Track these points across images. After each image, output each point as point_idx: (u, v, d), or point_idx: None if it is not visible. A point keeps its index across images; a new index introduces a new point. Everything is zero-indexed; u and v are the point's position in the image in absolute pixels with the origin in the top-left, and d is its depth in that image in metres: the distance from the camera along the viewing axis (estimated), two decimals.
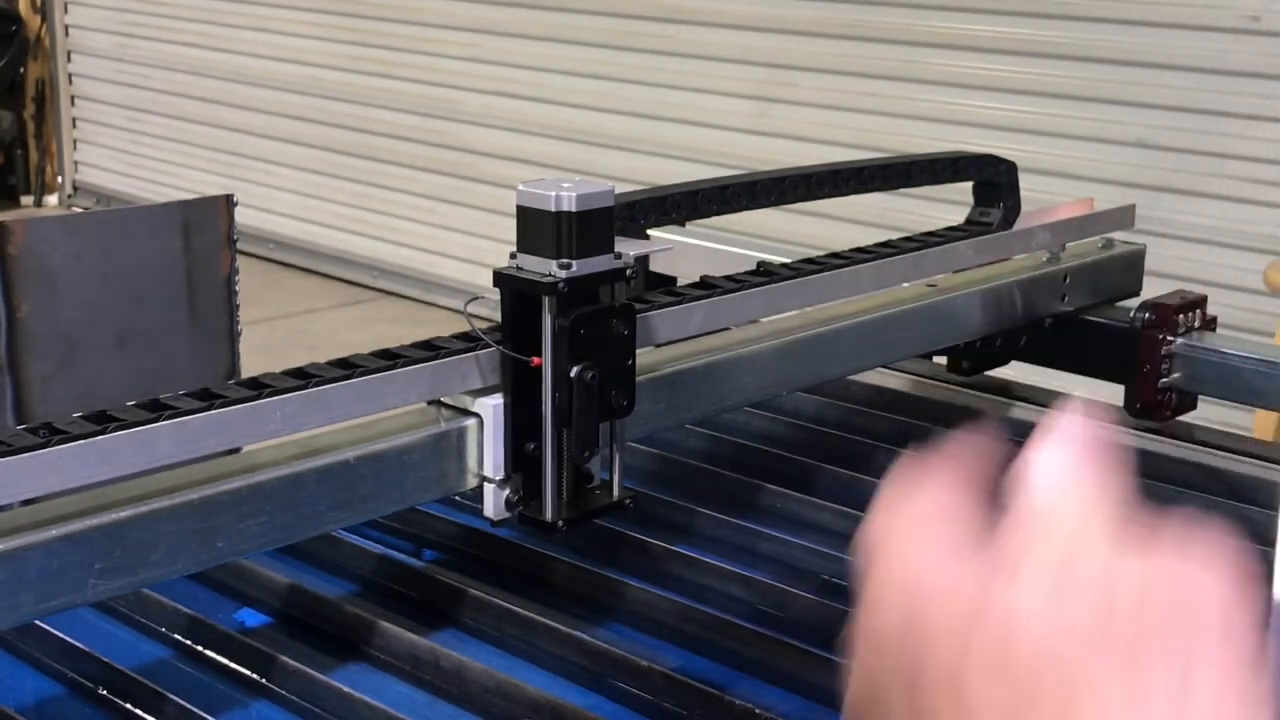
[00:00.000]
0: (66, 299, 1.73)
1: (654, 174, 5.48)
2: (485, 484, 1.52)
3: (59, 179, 8.84)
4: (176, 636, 1.66)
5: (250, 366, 1.66)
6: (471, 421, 1.51)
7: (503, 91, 6.38)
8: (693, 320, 1.69)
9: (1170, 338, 2.14)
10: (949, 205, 3.13)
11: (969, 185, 2.24)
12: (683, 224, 2.19)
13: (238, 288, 1.88)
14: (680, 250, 2.15)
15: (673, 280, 2.01)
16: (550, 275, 1.46)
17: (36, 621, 1.58)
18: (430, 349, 1.50)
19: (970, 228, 2.17)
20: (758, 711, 1.47)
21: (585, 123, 6.13)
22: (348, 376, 1.43)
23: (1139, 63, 4.68)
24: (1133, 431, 2.19)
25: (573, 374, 1.47)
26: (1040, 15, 4.82)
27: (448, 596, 1.74)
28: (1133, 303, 2.22)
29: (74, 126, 8.83)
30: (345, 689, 1.50)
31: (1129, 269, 2.34)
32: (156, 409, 1.30)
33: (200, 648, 1.64)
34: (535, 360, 1.48)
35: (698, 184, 1.93)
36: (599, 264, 1.49)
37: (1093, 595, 0.62)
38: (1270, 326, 4.01)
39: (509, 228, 1.52)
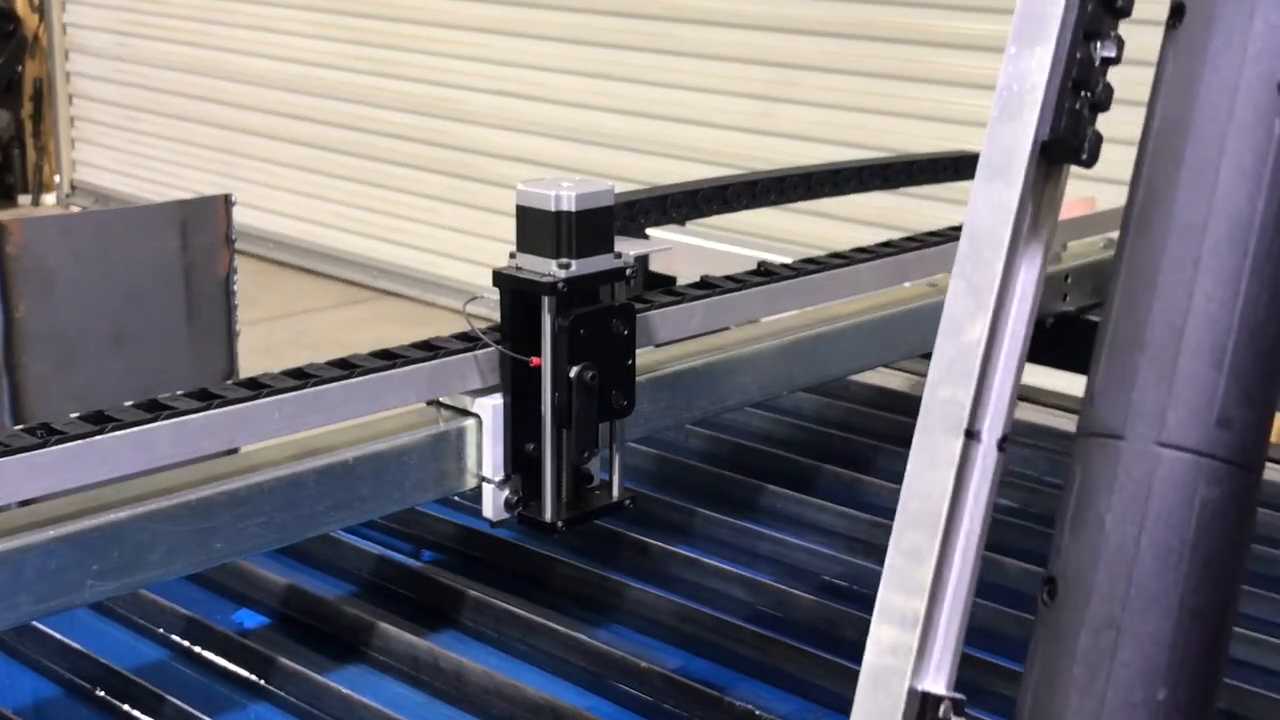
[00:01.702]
0: (64, 299, 1.73)
1: (654, 174, 5.47)
2: (484, 484, 1.51)
3: (57, 178, 8.84)
4: (175, 638, 1.65)
5: (249, 367, 1.66)
6: (471, 422, 1.50)
7: (503, 91, 6.37)
8: (693, 320, 1.69)
9: None
10: (950, 205, 3.12)
11: (970, 184, 2.24)
12: (683, 224, 2.19)
13: (236, 287, 1.88)
14: (680, 250, 2.15)
15: (673, 280, 2.01)
16: (550, 275, 1.46)
17: (34, 622, 1.57)
18: (429, 349, 1.50)
19: None
20: (758, 713, 1.47)
21: (585, 123, 6.12)
22: (347, 377, 1.42)
23: (1139, 61, 4.68)
24: None
25: (573, 374, 1.47)
26: None
27: (447, 598, 1.74)
28: None
29: (72, 125, 8.82)
30: (344, 690, 1.50)
31: None
32: (154, 409, 1.30)
33: (199, 649, 1.63)
34: (535, 360, 1.47)
35: (698, 184, 1.93)
36: (599, 264, 1.49)
37: None
38: None
39: (509, 227, 1.52)
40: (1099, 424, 0.78)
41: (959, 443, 0.78)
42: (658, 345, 1.66)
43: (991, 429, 0.79)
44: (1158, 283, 0.76)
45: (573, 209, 1.46)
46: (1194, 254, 0.75)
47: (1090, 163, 0.79)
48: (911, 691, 0.79)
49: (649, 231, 2.09)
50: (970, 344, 0.78)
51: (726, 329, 1.78)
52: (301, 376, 1.40)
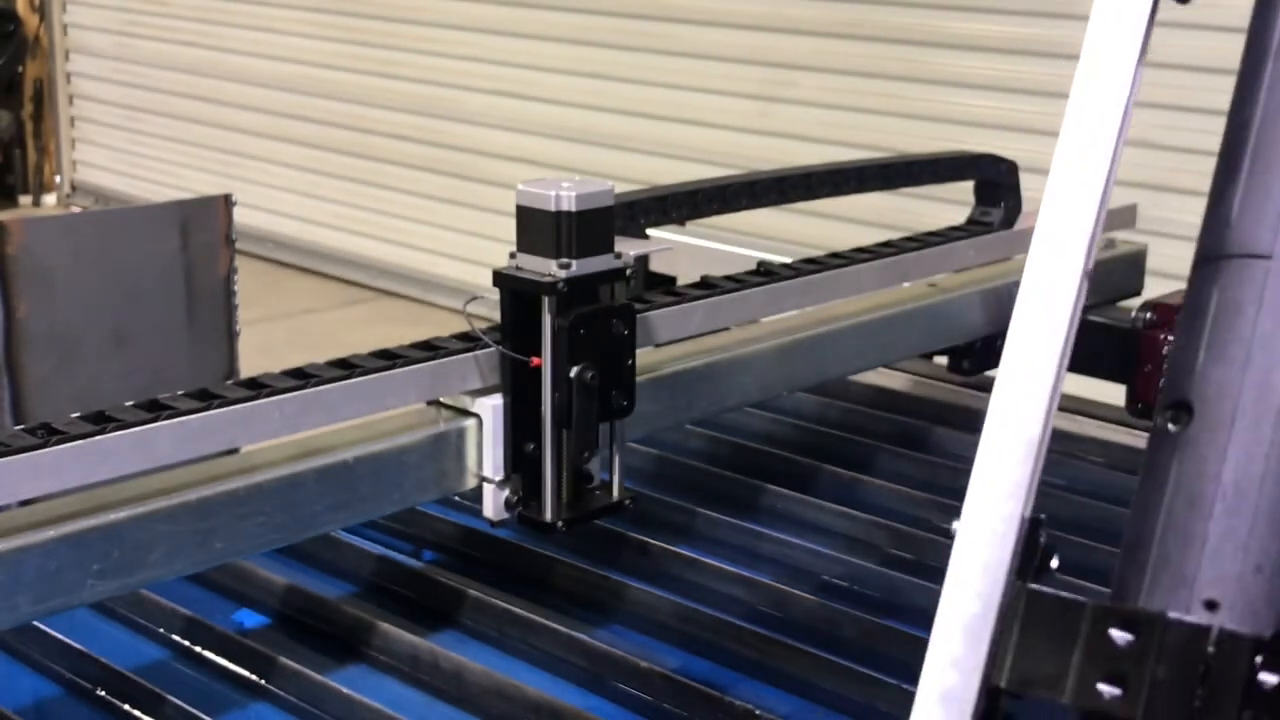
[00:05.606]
0: (65, 299, 1.72)
1: (654, 174, 5.47)
2: (485, 484, 1.51)
3: (57, 178, 8.83)
4: (175, 637, 1.65)
5: (249, 367, 1.65)
6: (471, 422, 1.50)
7: (503, 91, 6.37)
8: (693, 320, 1.69)
9: (1172, 337, 2.14)
10: (950, 205, 3.12)
11: (970, 185, 2.24)
12: (683, 224, 2.18)
13: (236, 288, 1.87)
14: (680, 250, 2.15)
15: (673, 280, 2.01)
16: (550, 275, 1.46)
17: (34, 622, 1.57)
18: (429, 349, 1.50)
19: (971, 227, 2.16)
20: (758, 713, 1.47)
21: (585, 123, 6.12)
22: (347, 377, 1.42)
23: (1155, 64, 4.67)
24: (1134, 431, 2.18)
25: (573, 374, 1.47)
26: (1041, 14, 4.82)
27: (447, 597, 1.74)
28: (1134, 302, 2.22)
29: (72, 126, 8.81)
30: (344, 690, 1.50)
31: (1130, 268, 2.34)
32: (155, 409, 1.30)
33: (199, 649, 1.63)
34: (535, 360, 1.47)
35: (698, 184, 1.93)
36: (599, 264, 1.49)
37: None
38: None
39: (509, 227, 1.52)
40: (1240, 244, 0.74)
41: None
42: (658, 345, 1.66)
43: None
44: None
45: (573, 209, 1.46)
46: None
47: None
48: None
49: (649, 231, 2.09)
50: (1095, 167, 0.75)
51: (726, 329, 1.77)
52: (301, 376, 1.40)
